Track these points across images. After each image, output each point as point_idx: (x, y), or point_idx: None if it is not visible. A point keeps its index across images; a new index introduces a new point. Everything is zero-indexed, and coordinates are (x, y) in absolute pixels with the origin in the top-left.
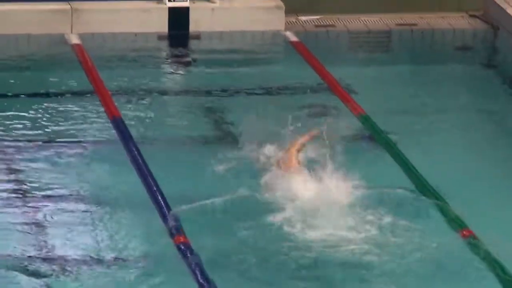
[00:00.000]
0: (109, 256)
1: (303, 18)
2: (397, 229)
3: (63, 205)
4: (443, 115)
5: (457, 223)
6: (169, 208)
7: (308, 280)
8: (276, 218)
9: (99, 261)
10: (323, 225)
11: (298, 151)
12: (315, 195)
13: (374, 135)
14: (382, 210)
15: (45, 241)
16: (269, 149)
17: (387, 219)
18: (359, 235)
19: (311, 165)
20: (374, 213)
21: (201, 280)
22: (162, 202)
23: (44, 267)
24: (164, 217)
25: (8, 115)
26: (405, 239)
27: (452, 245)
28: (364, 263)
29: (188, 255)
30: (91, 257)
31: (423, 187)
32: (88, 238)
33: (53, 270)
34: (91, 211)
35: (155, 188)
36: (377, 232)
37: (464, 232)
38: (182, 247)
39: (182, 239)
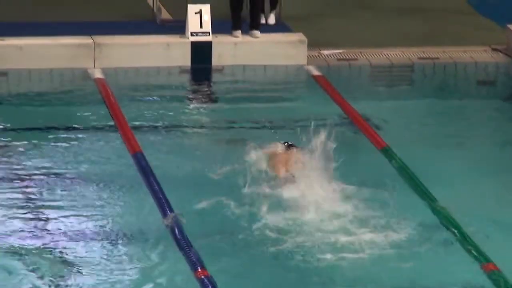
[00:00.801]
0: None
1: (326, 52)
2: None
3: (83, 239)
4: (465, 148)
5: (479, 256)
6: (190, 244)
7: None
8: None
9: None
10: None
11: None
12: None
13: (396, 168)
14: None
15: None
16: (296, 186)
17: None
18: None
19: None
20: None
21: None
22: (182, 238)
23: None
24: (184, 251)
25: (30, 148)
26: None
27: (475, 279)
28: None
29: None
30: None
31: (444, 219)
32: (113, 274)
33: None
34: (117, 246)
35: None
36: None
37: (488, 266)
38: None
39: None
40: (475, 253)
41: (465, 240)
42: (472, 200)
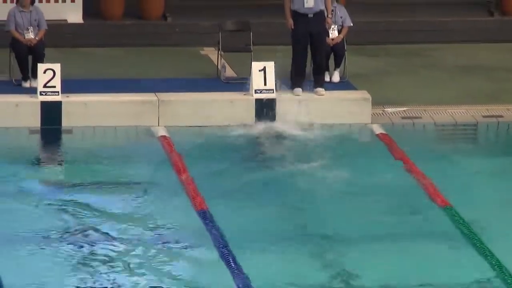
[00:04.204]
0: None
1: (390, 110)
2: None
3: None
4: None
5: None
6: None
7: None
8: None
9: None
10: None
11: None
12: None
13: (460, 227)
14: None
15: None
16: None
17: None
18: None
19: None
20: None
21: None
22: None
23: None
24: None
25: (93, 206)
26: None
27: None
28: None
29: None
30: None
31: (504, 277)
32: None
33: None
34: None
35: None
36: None
37: None
38: None
39: None
40: None
41: None
42: None
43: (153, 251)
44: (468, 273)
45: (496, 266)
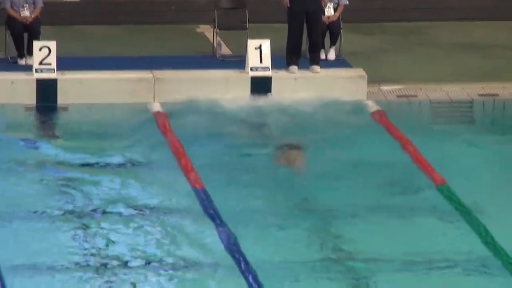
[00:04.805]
0: None
1: (385, 88)
2: None
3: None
4: None
5: None
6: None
7: None
8: None
9: None
10: None
11: None
12: None
13: (454, 204)
14: None
15: None
16: None
17: None
18: None
19: None
20: None
21: None
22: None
23: None
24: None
25: (90, 183)
26: None
27: None
28: None
29: None
30: None
31: (498, 253)
32: None
33: None
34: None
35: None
36: None
37: None
38: None
39: None
40: None
41: None
42: None
43: (148, 227)
44: (462, 248)
45: (490, 243)
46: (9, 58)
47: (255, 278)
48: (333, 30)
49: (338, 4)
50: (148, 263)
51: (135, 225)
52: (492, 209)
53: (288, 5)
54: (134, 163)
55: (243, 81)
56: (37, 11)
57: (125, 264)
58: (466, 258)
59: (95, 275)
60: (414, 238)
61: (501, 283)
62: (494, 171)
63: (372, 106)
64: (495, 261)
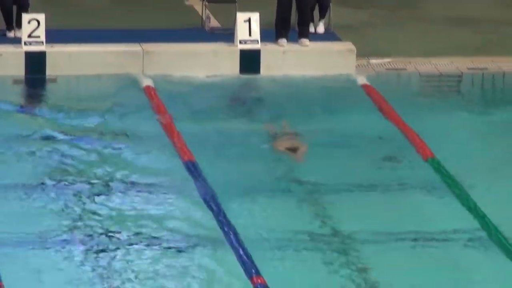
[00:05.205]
0: None
1: (374, 61)
2: None
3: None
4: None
5: None
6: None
7: None
8: None
9: None
10: None
11: None
12: None
13: (442, 178)
14: None
15: None
16: None
17: None
18: None
19: None
20: None
21: None
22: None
23: None
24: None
25: (78, 155)
26: None
27: None
28: None
29: None
30: None
31: (487, 227)
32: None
33: None
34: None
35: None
36: None
37: None
38: None
39: None
40: None
41: None
42: None
43: (136, 199)
44: (451, 222)
45: (479, 217)
46: None
47: (244, 250)
48: (322, 3)
49: None
50: (136, 235)
51: (123, 197)
52: (481, 182)
53: None
54: (122, 135)
55: (232, 54)
56: None
57: (112, 237)
58: (455, 232)
59: (82, 247)
60: (402, 212)
61: (490, 257)
62: (483, 144)
63: (361, 79)
64: (484, 235)
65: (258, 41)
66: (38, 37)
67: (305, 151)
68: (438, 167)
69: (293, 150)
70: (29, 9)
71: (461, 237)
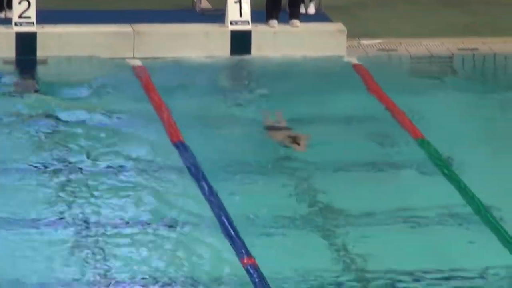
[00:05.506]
0: None
1: (365, 42)
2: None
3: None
4: (504, 140)
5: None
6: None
7: None
8: None
9: None
10: None
11: None
12: None
13: (432, 159)
14: None
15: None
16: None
17: None
18: None
19: None
20: None
21: None
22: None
23: None
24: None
25: (68, 137)
26: None
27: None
28: None
29: None
30: None
31: (476, 207)
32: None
33: None
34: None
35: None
36: None
37: None
38: None
39: None
40: None
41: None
42: (507, 192)
43: (128, 181)
44: (441, 200)
45: (469, 197)
46: None
47: (236, 232)
48: None
49: None
50: (124, 216)
51: (116, 179)
52: (471, 163)
53: None
54: (112, 115)
55: (223, 35)
56: None
57: (99, 218)
58: (444, 212)
59: (75, 232)
60: (392, 192)
61: (479, 237)
62: (473, 125)
63: (352, 60)
64: (473, 216)
65: (249, 22)
66: (29, 17)
67: (307, 142)
68: (427, 148)
69: (296, 142)
70: None
71: (450, 217)
